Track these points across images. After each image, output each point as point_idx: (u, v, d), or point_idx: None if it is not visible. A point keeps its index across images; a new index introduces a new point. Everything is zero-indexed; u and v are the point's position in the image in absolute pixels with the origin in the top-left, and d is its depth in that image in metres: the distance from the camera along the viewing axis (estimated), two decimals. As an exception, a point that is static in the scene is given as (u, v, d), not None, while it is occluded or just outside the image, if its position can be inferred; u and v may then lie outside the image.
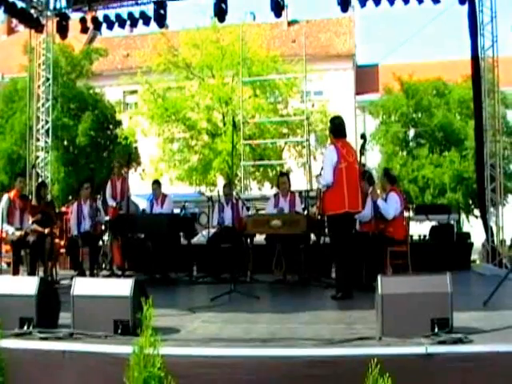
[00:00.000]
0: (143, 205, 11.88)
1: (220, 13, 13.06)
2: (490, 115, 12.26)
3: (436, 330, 4.53)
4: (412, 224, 10.54)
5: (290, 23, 35.93)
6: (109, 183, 11.67)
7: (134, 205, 11.49)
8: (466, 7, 12.17)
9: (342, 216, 7.56)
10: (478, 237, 13.93)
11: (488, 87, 12.26)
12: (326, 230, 8.68)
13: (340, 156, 7.58)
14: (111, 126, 25.18)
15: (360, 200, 7.77)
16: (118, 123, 25.45)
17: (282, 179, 10.35)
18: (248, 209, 11.33)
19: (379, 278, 4.80)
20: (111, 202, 11.37)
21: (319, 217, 8.83)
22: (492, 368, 4.11)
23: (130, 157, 19.88)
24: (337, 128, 7.94)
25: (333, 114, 25.32)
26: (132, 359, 3.57)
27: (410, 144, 27.31)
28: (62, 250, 10.69)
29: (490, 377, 4.11)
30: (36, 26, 14.32)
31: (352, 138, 8.04)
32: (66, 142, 23.48)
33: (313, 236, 10.13)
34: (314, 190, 15.12)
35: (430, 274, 4.91)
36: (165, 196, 10.87)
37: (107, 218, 11.08)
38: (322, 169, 7.89)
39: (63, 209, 13.38)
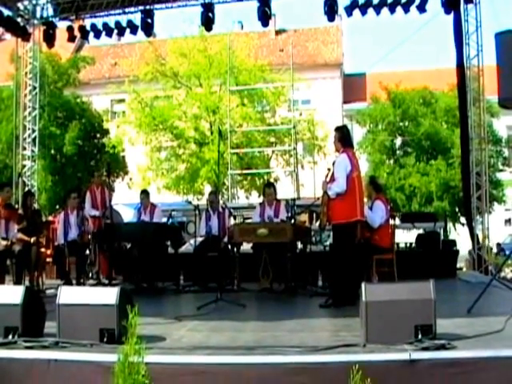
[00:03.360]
0: (129, 213, 11.80)
1: (207, 22, 13.14)
2: (475, 124, 12.36)
3: (420, 336, 4.55)
4: (398, 232, 10.57)
5: (278, 32, 36.13)
6: (88, 194, 11.39)
7: (116, 213, 11.33)
8: (451, 17, 12.30)
9: (354, 224, 7.63)
10: (464, 244, 14.00)
11: (473, 96, 12.35)
12: (331, 239, 8.60)
13: (352, 165, 7.62)
14: (98, 135, 25.08)
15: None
16: (106, 132, 25.40)
17: (268, 190, 10.31)
18: (235, 217, 11.32)
19: (363, 285, 4.83)
20: (93, 213, 11.13)
21: (327, 223, 8.71)
22: (475, 374, 4.14)
23: (109, 166, 19.83)
24: (345, 137, 7.93)
25: (320, 123, 25.70)
26: (117, 367, 3.57)
27: (397, 152, 27.47)
28: (49, 260, 10.64)
29: (473, 383, 4.14)
30: (23, 34, 14.31)
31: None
32: (53, 151, 23.34)
33: (299, 244, 10.17)
34: (301, 198, 15.16)
35: (414, 281, 4.93)
36: (154, 206, 10.76)
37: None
38: (328, 176, 7.81)
39: (50, 218, 13.29)
